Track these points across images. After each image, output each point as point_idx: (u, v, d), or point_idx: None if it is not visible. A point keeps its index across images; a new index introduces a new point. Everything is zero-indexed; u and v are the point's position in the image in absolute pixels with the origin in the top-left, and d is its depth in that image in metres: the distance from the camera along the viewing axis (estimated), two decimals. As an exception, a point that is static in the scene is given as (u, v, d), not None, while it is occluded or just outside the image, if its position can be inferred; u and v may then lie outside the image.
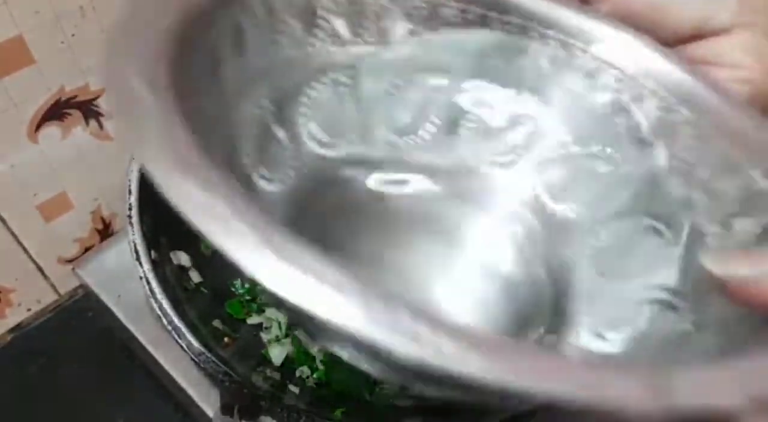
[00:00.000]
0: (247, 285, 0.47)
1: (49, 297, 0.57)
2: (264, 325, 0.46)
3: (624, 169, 0.29)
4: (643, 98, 0.28)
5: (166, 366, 0.46)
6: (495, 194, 0.32)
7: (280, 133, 0.28)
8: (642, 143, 0.28)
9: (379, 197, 0.31)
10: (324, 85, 0.29)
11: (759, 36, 0.27)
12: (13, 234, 0.50)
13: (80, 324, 0.56)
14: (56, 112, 0.47)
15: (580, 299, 0.28)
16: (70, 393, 0.52)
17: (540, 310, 0.29)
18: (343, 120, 0.30)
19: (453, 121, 0.31)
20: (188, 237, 0.45)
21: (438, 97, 0.31)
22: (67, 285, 0.57)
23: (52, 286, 0.56)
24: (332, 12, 0.28)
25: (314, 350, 0.45)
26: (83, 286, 0.53)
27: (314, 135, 0.29)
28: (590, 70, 0.29)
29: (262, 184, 0.27)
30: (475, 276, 0.31)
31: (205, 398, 0.45)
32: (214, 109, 0.23)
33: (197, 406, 0.45)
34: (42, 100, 0.45)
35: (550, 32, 0.29)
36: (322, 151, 0.30)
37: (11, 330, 0.55)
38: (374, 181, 0.31)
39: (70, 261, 0.55)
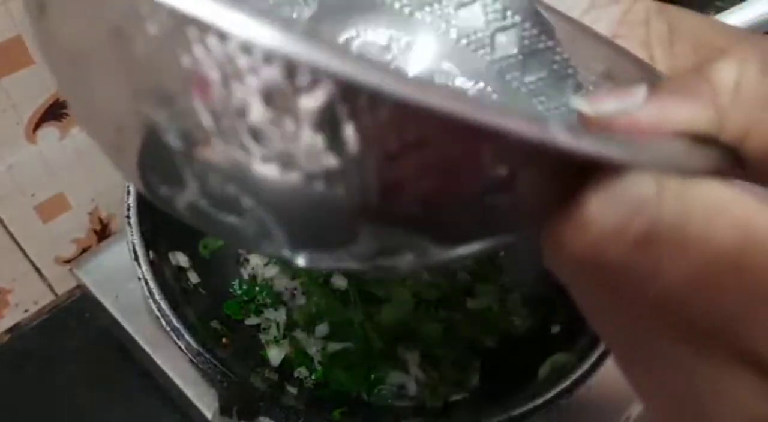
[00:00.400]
0: (245, 286, 0.48)
1: (46, 298, 0.56)
2: (262, 326, 0.46)
3: None
4: None
5: (164, 367, 0.46)
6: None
7: None
8: None
9: None
10: None
11: (635, 45, 0.30)
12: (10, 234, 0.50)
13: (77, 325, 0.56)
14: (55, 112, 0.47)
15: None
16: (67, 394, 0.52)
17: None
18: None
19: None
20: (187, 238, 0.45)
21: None
22: (64, 285, 0.57)
23: (50, 287, 0.56)
24: None
25: (312, 351, 0.45)
26: (80, 287, 0.53)
27: None
28: None
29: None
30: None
31: (203, 399, 0.45)
32: None
33: (195, 407, 0.45)
34: (40, 101, 0.45)
35: None
36: None
37: (8, 331, 0.55)
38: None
39: (67, 261, 0.55)
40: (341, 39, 0.32)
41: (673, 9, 0.32)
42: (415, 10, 0.32)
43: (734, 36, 0.30)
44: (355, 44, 0.32)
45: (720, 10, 0.41)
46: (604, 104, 0.17)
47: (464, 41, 0.31)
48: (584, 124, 0.17)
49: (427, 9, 0.31)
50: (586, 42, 0.28)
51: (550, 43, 0.29)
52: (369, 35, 0.32)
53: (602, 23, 0.31)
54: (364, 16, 0.32)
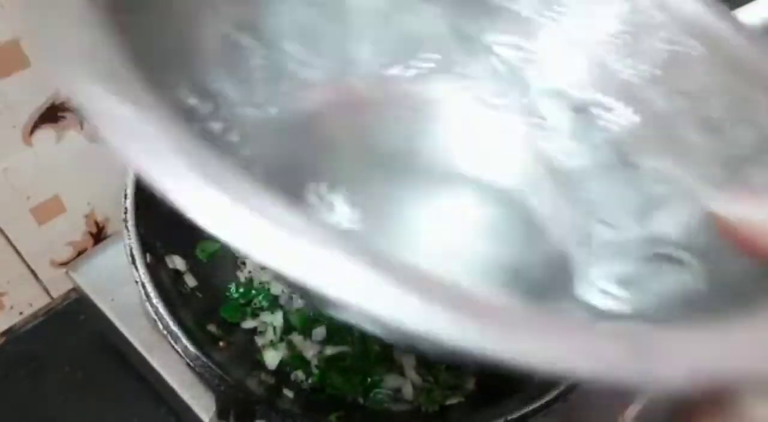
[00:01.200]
0: (242, 290, 0.48)
1: (41, 301, 0.56)
2: (259, 330, 0.46)
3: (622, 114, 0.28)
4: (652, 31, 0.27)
5: (160, 371, 0.46)
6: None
7: (256, 53, 0.26)
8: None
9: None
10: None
11: None
12: (5, 237, 0.50)
13: (72, 328, 0.56)
14: (51, 115, 0.47)
15: (583, 252, 0.27)
16: (62, 397, 0.52)
17: (543, 264, 0.28)
18: (324, 38, 0.28)
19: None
20: (184, 242, 0.45)
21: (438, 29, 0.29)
22: (59, 288, 0.57)
23: (45, 290, 0.56)
24: None
25: (309, 354, 0.45)
26: (76, 290, 0.52)
27: (293, 53, 0.27)
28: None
29: (243, 112, 0.26)
30: (470, 228, 0.30)
31: (199, 402, 0.45)
32: (164, 28, 0.21)
33: (191, 411, 0.45)
34: (37, 103, 0.45)
35: None
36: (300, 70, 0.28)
37: (2, 334, 0.55)
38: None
39: (63, 264, 0.55)
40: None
41: None
42: None
43: None
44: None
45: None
46: (747, 210, 0.16)
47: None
48: (716, 224, 0.17)
49: None
50: None
51: None
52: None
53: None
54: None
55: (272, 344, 0.45)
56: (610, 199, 0.28)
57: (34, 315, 0.56)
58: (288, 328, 0.46)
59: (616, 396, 0.46)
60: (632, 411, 0.46)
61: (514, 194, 0.31)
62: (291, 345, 0.45)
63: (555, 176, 0.30)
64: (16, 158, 0.47)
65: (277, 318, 0.46)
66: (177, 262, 0.43)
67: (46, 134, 0.47)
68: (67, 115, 0.48)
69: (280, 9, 0.27)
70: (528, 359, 0.13)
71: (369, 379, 0.44)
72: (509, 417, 0.36)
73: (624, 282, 0.25)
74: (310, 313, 0.46)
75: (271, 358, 0.44)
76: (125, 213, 0.40)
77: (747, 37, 0.25)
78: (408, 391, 0.44)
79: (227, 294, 0.47)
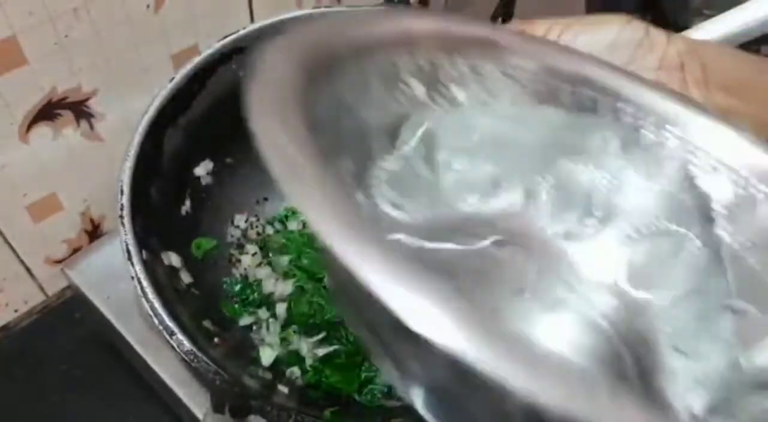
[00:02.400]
0: (238, 287, 0.48)
1: (36, 298, 0.56)
2: (254, 326, 0.46)
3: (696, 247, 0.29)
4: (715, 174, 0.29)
5: (155, 367, 0.46)
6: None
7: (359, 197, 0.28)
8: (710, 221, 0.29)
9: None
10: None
11: (676, 89, 0.31)
12: (1, 234, 0.50)
13: (67, 326, 0.56)
14: (48, 112, 0.47)
15: (663, 376, 0.28)
16: (57, 394, 0.52)
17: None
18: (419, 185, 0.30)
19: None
20: (179, 239, 0.45)
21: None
22: (54, 286, 0.57)
23: (40, 287, 0.56)
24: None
25: (305, 351, 0.45)
26: (71, 287, 0.52)
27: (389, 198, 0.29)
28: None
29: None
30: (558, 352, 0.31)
31: (194, 399, 0.45)
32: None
33: (185, 407, 0.45)
34: (34, 101, 0.46)
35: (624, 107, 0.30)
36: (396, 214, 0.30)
37: (-2, 331, 0.55)
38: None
39: (58, 262, 0.55)
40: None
41: (702, 47, 0.33)
42: None
43: (757, 65, 0.31)
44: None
45: (708, 17, 0.42)
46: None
47: None
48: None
49: None
50: None
51: None
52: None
53: (644, 74, 0.32)
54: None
55: (268, 341, 0.45)
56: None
57: (30, 313, 0.56)
58: (284, 325, 0.46)
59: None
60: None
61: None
62: (287, 342, 0.45)
63: None
64: (13, 156, 0.47)
65: (273, 316, 0.47)
66: (173, 259, 0.44)
67: (42, 132, 0.48)
68: (63, 113, 0.48)
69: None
70: None
71: (363, 375, 0.44)
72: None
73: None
74: (306, 310, 0.46)
75: (267, 355, 0.44)
76: (121, 209, 0.40)
77: None
78: (402, 387, 0.44)
79: (223, 290, 0.47)
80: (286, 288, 0.48)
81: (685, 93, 0.31)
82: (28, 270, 0.54)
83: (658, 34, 0.33)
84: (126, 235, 0.39)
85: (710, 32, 0.38)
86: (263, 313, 0.47)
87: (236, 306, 0.47)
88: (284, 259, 0.49)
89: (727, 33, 0.38)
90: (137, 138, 0.42)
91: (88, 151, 0.51)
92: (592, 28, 0.32)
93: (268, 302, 0.48)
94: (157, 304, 0.38)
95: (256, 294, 0.48)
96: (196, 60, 0.45)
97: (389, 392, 0.44)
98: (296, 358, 0.45)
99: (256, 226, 0.52)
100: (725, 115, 0.30)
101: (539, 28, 0.33)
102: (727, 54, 0.33)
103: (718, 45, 0.36)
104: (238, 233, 0.51)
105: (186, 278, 0.44)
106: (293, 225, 0.52)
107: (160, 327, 0.38)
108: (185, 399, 0.45)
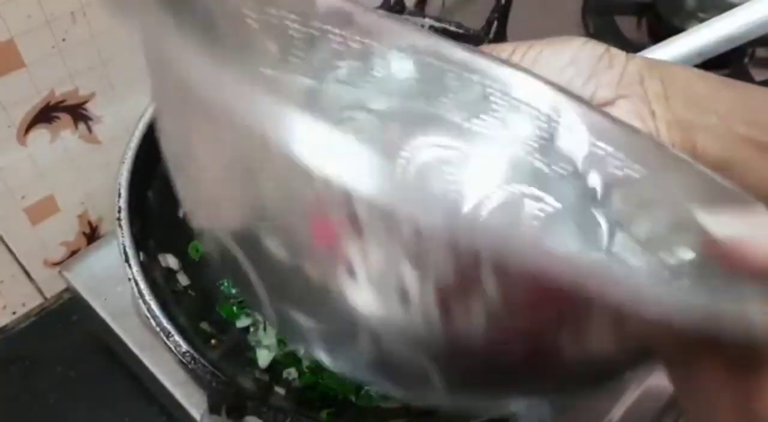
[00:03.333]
0: (234, 289, 0.48)
1: (34, 301, 0.56)
2: (251, 328, 0.46)
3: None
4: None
5: (152, 369, 0.46)
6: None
7: None
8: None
9: None
10: None
11: (637, 102, 0.33)
12: (-1, 236, 0.50)
13: (65, 328, 0.56)
14: (45, 115, 0.47)
15: None
16: (54, 397, 0.52)
17: None
18: None
19: None
20: (176, 241, 0.46)
21: None
22: (52, 288, 0.57)
23: (38, 289, 0.56)
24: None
25: (301, 352, 0.45)
26: (69, 289, 0.53)
27: None
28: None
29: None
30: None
31: (191, 400, 0.45)
32: None
33: (182, 409, 0.45)
34: (32, 104, 0.46)
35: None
36: None
37: (-5, 334, 0.55)
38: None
39: (56, 264, 0.55)
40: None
41: (662, 65, 0.35)
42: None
43: (716, 86, 0.33)
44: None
45: (703, 20, 0.43)
46: (731, 224, 0.17)
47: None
48: (712, 253, 0.18)
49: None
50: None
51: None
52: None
53: (604, 89, 0.33)
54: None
55: (265, 343, 0.46)
56: None
57: (27, 315, 0.56)
58: (280, 327, 0.47)
59: (600, 398, 0.47)
60: (617, 413, 0.47)
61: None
62: (283, 344, 0.46)
63: None
64: (11, 158, 0.47)
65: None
66: (170, 261, 0.44)
67: (40, 135, 0.48)
68: (61, 115, 0.48)
69: None
70: None
71: (360, 377, 0.44)
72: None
73: None
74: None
75: (264, 357, 0.44)
76: (119, 211, 0.40)
77: None
78: (398, 389, 0.44)
79: (221, 290, 0.48)
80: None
81: (646, 106, 0.33)
82: (25, 272, 0.54)
83: (618, 52, 0.34)
84: (123, 238, 0.40)
85: (667, 52, 0.40)
86: (260, 315, 0.47)
87: (233, 308, 0.47)
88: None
89: (685, 53, 0.40)
90: (135, 141, 0.42)
91: (86, 153, 0.51)
92: (554, 46, 0.34)
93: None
94: (154, 306, 0.38)
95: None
96: (194, 63, 0.45)
97: (386, 393, 0.44)
98: (293, 360, 0.45)
99: (254, 228, 0.52)
100: (686, 128, 0.32)
101: (507, 48, 0.35)
102: (686, 70, 0.35)
103: (676, 64, 0.38)
104: (235, 235, 0.51)
105: (183, 280, 0.44)
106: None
107: (158, 329, 0.38)
108: (182, 401, 0.45)
